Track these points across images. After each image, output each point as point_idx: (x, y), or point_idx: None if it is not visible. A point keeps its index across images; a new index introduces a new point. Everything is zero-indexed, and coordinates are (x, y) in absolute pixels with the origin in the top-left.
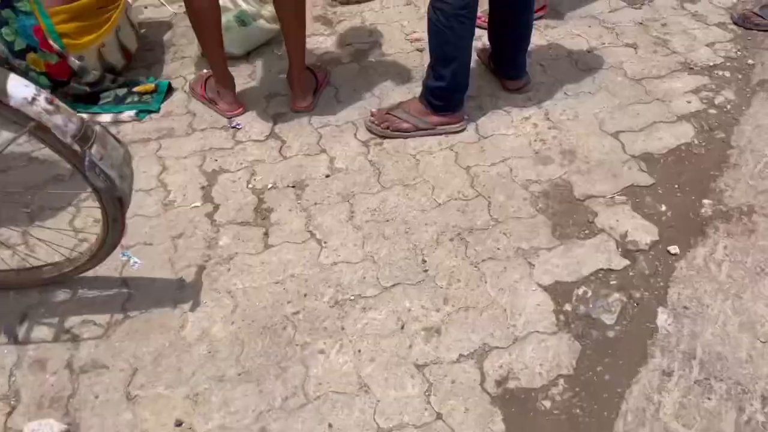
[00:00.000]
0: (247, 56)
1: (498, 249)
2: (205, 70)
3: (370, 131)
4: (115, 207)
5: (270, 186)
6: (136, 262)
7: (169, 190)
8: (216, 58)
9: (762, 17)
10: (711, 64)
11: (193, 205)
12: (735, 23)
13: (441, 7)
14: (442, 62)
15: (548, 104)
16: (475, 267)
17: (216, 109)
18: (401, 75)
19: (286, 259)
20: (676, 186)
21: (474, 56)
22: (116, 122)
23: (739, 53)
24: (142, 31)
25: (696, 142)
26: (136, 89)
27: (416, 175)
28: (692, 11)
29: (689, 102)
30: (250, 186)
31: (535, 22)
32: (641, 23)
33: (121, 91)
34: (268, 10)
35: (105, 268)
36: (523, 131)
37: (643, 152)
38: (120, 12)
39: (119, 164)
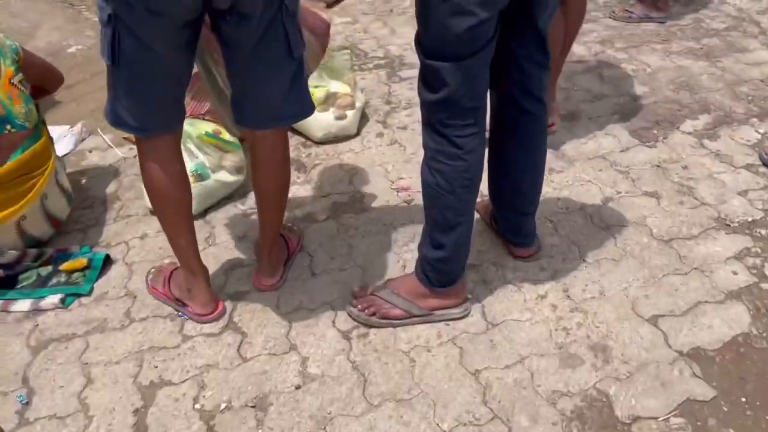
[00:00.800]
0: (204, 214)
1: None
2: (166, 260)
3: (352, 317)
4: None
5: (223, 406)
6: None
7: (91, 415)
8: (185, 249)
9: None
10: (749, 219)
11: None
12: (766, 165)
13: (440, 168)
14: (442, 230)
15: (566, 276)
16: None
17: (186, 312)
18: (387, 236)
19: None
20: (744, 400)
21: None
22: (35, 311)
23: None
24: (83, 181)
25: (755, 332)
26: (63, 267)
27: (412, 385)
28: (714, 150)
29: (735, 273)
30: (197, 406)
31: None
32: (658, 166)
33: (45, 270)
34: (230, 159)
35: None
36: (541, 316)
37: (693, 347)
38: (48, 177)
39: None
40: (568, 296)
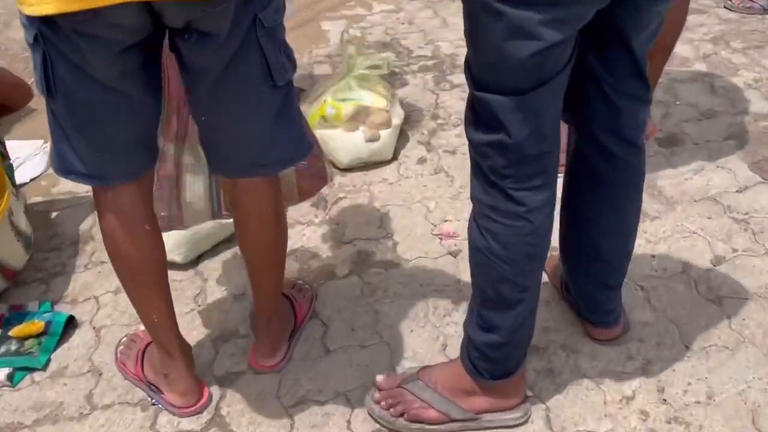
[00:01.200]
0: (196, 262)
1: None
2: (142, 327)
3: (373, 417)
4: None
5: None
6: None
7: None
8: (158, 326)
9: None
10: None
11: None
12: None
13: (494, 229)
14: (495, 308)
15: (661, 370)
16: None
17: (161, 401)
18: (425, 301)
19: None
20: None
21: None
22: None
23: None
24: (52, 215)
25: None
26: (13, 332)
27: None
28: None
29: None
30: None
31: None
32: None
33: None
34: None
35: None
36: (626, 427)
37: None
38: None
39: None
40: (664, 399)
